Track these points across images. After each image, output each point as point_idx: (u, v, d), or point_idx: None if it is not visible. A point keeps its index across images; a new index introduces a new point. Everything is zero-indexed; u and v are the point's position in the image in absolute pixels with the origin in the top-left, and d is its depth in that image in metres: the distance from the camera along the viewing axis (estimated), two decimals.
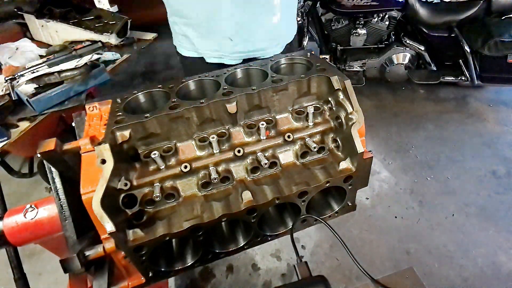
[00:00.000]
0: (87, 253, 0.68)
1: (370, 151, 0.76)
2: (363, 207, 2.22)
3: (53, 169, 0.73)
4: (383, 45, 3.09)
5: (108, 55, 2.31)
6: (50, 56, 2.11)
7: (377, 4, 2.77)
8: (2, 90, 1.88)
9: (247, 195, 0.72)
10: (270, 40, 1.17)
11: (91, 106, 0.82)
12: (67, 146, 0.72)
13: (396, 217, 2.16)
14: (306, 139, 0.83)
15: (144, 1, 3.61)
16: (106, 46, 2.53)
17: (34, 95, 1.85)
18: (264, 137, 0.81)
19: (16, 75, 1.90)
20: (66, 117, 2.04)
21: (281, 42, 1.25)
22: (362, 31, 2.96)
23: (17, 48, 2.39)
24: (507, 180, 2.36)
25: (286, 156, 0.83)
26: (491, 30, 2.58)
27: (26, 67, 1.98)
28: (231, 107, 0.76)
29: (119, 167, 0.67)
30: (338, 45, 3.15)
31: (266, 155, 0.80)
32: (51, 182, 0.74)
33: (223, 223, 0.83)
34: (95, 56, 2.12)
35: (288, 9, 1.19)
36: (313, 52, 0.95)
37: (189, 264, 0.80)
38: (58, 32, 2.58)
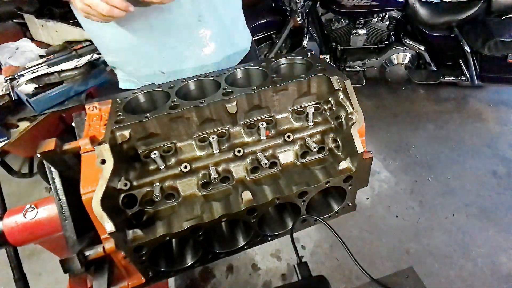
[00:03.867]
0: (87, 253, 0.68)
1: (370, 151, 0.76)
2: (363, 207, 2.22)
3: (53, 169, 0.73)
4: (383, 45, 3.09)
5: None
6: (50, 56, 2.11)
7: (377, 4, 2.77)
8: (2, 90, 1.88)
9: (247, 195, 0.72)
10: (202, 68, 1.13)
11: (91, 106, 0.81)
12: (67, 146, 0.72)
13: (396, 217, 2.16)
14: (306, 139, 0.83)
15: None
16: None
17: (34, 95, 1.85)
18: (264, 137, 0.81)
19: (16, 75, 1.90)
20: (66, 117, 2.04)
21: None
22: (362, 31, 2.96)
23: (17, 48, 2.39)
24: (507, 180, 2.36)
25: (286, 156, 0.83)
26: (491, 30, 2.58)
27: (26, 67, 1.98)
28: (231, 107, 0.76)
29: (119, 167, 0.67)
30: (338, 45, 3.14)
31: (266, 155, 0.80)
32: (51, 182, 0.74)
33: (223, 223, 0.83)
34: (95, 56, 2.11)
35: (228, 38, 1.12)
36: (313, 52, 0.95)
37: (189, 264, 0.80)
38: (58, 32, 2.58)
